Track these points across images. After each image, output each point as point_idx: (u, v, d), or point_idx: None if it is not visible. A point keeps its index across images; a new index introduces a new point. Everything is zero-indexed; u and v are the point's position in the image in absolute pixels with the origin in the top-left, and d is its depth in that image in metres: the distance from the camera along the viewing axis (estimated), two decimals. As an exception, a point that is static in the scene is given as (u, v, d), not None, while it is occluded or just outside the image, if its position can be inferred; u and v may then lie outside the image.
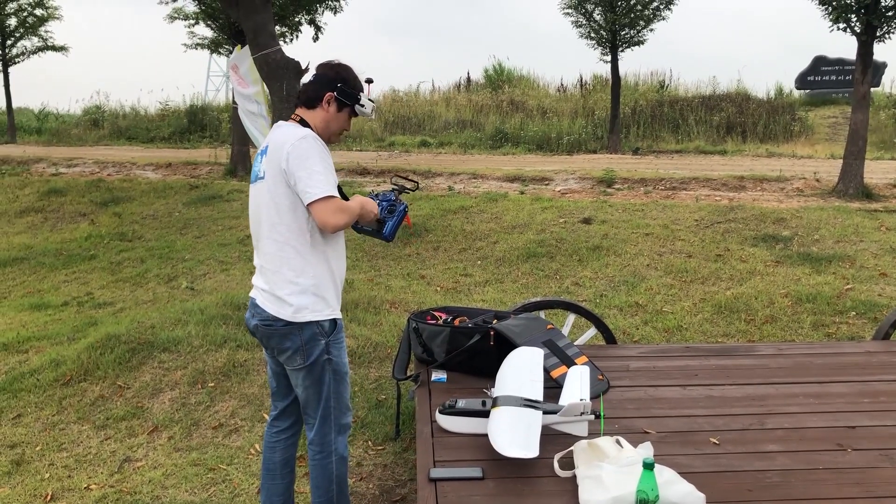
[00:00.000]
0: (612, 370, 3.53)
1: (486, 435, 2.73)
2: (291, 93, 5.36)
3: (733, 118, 17.58)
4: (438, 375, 3.38)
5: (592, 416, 2.81)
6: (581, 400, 2.82)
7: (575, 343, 3.94)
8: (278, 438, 3.08)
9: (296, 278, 2.76)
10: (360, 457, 3.81)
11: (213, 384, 4.53)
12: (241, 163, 12.59)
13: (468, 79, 24.41)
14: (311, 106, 2.88)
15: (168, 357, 4.83)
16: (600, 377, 3.36)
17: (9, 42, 21.20)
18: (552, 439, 2.74)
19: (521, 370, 3.08)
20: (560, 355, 3.36)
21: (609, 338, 4.05)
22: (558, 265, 6.92)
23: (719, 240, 7.32)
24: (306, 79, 2.95)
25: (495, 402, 2.86)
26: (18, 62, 21.72)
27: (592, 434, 2.89)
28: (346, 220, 2.73)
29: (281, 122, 2.91)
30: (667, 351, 3.89)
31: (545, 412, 2.80)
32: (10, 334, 5.84)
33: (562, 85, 22.99)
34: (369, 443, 3.93)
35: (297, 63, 5.39)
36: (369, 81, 3.04)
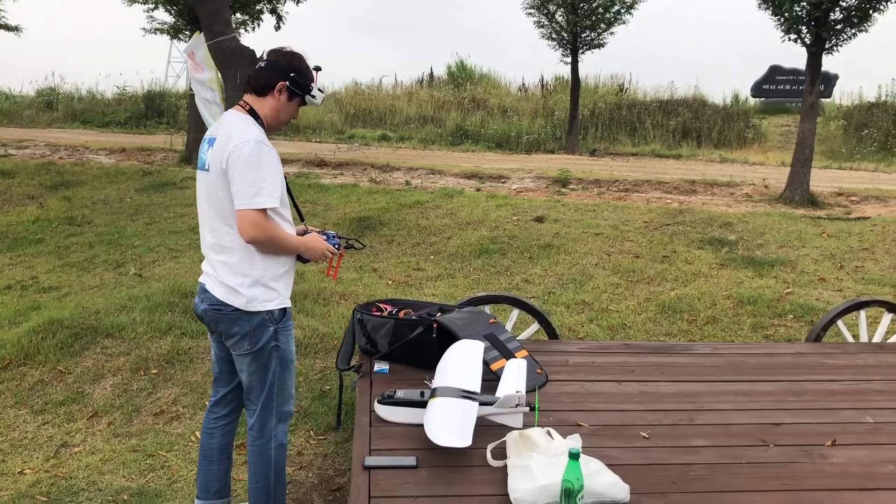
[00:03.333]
0: (552, 364, 3.60)
1: (422, 425, 2.78)
2: (245, 80, 5.34)
3: (689, 123, 17.90)
4: (381, 366, 3.41)
5: (527, 409, 2.88)
6: (517, 392, 2.88)
7: (518, 338, 4.00)
8: (217, 424, 3.09)
9: (246, 270, 2.77)
10: (302, 446, 3.83)
11: (155, 371, 4.50)
12: (197, 150, 12.43)
13: (431, 75, 24.43)
14: (261, 93, 2.85)
15: (111, 343, 4.78)
16: (539, 371, 3.42)
17: (-41, 20, 20.62)
18: (486, 430, 2.79)
19: (461, 362, 3.14)
20: (501, 349, 3.41)
21: (551, 333, 4.12)
22: (510, 262, 7.00)
23: (667, 241, 7.47)
24: (258, 65, 2.92)
25: (433, 393, 2.91)
26: (-31, 40, 21.15)
27: (527, 426, 2.96)
28: (263, 238, 2.69)
29: (230, 112, 2.88)
30: (606, 347, 3.97)
31: (481, 403, 2.86)
32: (-50, 317, 5.71)
33: (523, 84, 23.15)
34: (311, 432, 3.94)
35: (252, 51, 5.37)
36: (318, 69, 3.05)
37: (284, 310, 2.87)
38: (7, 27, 21.60)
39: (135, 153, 13.44)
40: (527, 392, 2.95)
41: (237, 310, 2.77)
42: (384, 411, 2.95)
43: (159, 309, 5.20)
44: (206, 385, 4.32)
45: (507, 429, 2.73)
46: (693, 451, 2.76)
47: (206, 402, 4.13)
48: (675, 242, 7.47)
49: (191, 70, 8.70)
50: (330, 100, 22.05)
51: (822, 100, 20.40)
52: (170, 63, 34.99)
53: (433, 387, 2.97)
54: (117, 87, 22.86)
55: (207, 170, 2.76)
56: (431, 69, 24.60)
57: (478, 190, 10.10)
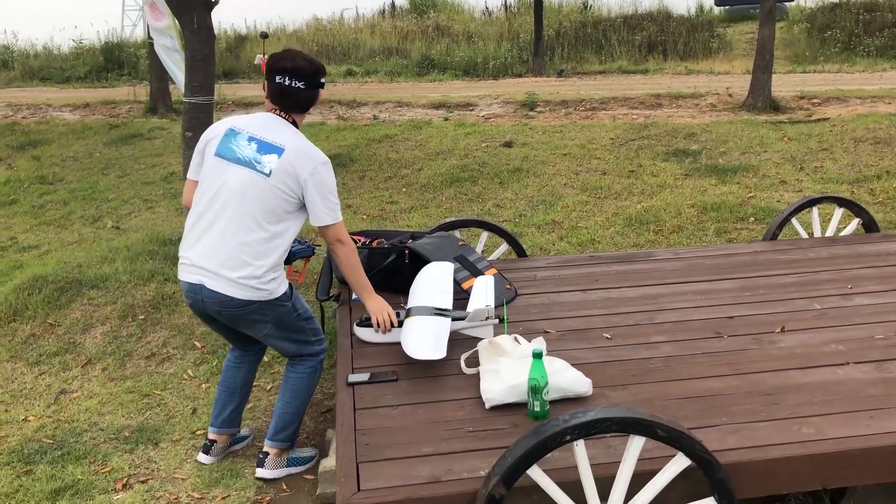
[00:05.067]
0: (521, 280, 3.79)
1: (399, 343, 2.97)
2: (202, 26, 5.34)
3: (654, 37, 17.85)
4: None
5: (497, 321, 3.07)
6: (486, 306, 3.07)
7: (489, 259, 4.18)
8: (243, 360, 3.28)
9: (265, 266, 2.88)
10: (290, 375, 4.02)
11: (143, 317, 4.65)
12: (161, 99, 12.33)
13: (393, 4, 24.04)
14: (304, 111, 3.02)
15: (97, 294, 4.92)
16: (508, 286, 3.61)
17: None
18: (459, 342, 2.98)
19: (432, 283, 3.32)
20: (470, 268, 3.59)
21: (520, 252, 4.30)
22: (480, 188, 7.14)
23: (633, 157, 7.63)
24: (293, 84, 2.92)
25: (408, 313, 3.09)
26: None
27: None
28: (349, 246, 3.01)
29: (279, 119, 2.95)
30: (572, 261, 4.16)
31: (454, 319, 3.05)
32: (-66, 282, 5.81)
33: (487, 9, 22.85)
34: (298, 362, 4.13)
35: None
36: (264, 36, 3.16)
37: (290, 283, 3.09)
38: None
39: (99, 107, 13.30)
40: (496, 306, 3.15)
41: (260, 302, 2.90)
42: (363, 333, 3.13)
43: (140, 258, 5.32)
44: (193, 326, 4.48)
45: (479, 340, 2.92)
46: (652, 346, 2.97)
47: (196, 343, 4.34)
48: (640, 157, 7.63)
49: (149, 18, 8.60)
50: (291, 38, 21.71)
51: (787, 3, 20.39)
52: (125, 12, 34.12)
53: (407, 307, 3.16)
54: (73, 40, 22.32)
55: (268, 174, 2.82)
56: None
57: (446, 119, 10.16)
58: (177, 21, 5.44)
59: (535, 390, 2.37)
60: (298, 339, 3.12)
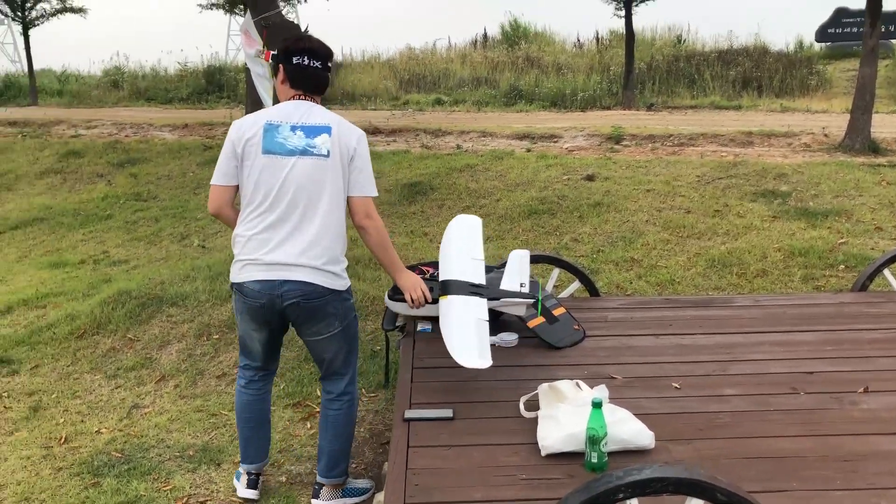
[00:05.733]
0: (591, 321, 3.69)
1: (439, 337, 2.98)
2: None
3: (749, 73, 17.40)
4: (424, 326, 3.56)
5: (532, 300, 3.07)
6: (521, 285, 3.07)
7: (560, 296, 4.11)
8: (265, 390, 3.21)
9: (340, 254, 2.95)
10: (354, 403, 4.03)
11: (217, 336, 4.75)
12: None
13: (485, 35, 24.26)
14: (322, 93, 3.02)
15: (176, 311, 5.06)
16: (576, 327, 3.52)
17: (28, 4, 21.37)
18: (519, 384, 2.92)
19: (463, 243, 3.34)
20: (539, 306, 3.52)
21: (592, 290, 4.20)
22: (559, 221, 7.05)
23: (719, 195, 7.40)
24: (312, 63, 2.92)
25: (444, 289, 3.08)
26: (38, 24, 21.90)
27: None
28: (378, 222, 2.95)
29: (311, 104, 2.94)
30: (646, 303, 4.04)
31: (489, 298, 3.07)
32: (30, 291, 6.11)
33: (578, 41, 22.81)
34: (363, 390, 4.14)
35: (297, 26, 5.50)
36: (265, 27, 3.20)
37: None
38: (73, 9, 22.33)
39: (196, 128, 13.81)
40: (530, 283, 3.16)
41: (335, 292, 2.92)
42: (396, 306, 3.18)
43: (220, 278, 5.46)
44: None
45: (538, 381, 2.84)
46: (723, 399, 2.84)
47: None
48: (727, 196, 7.40)
49: (243, 45, 8.91)
50: (384, 66, 22.16)
51: (892, 41, 19.58)
52: (229, 37, 35.63)
53: (441, 279, 3.15)
54: (179, 63, 23.41)
55: (327, 155, 2.84)
56: (485, 30, 24.46)
57: (529, 150, 10.11)
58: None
59: (594, 441, 2.29)
60: (351, 347, 3.09)
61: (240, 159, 2.89)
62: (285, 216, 2.83)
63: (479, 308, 3.01)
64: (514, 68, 20.22)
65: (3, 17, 21.93)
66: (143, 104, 19.82)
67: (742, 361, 3.19)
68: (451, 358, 3.20)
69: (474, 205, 7.73)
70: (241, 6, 19.07)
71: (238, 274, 2.92)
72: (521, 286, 3.04)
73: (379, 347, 4.52)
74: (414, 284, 3.11)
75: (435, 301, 3.07)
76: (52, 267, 6.98)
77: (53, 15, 22.10)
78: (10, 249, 7.90)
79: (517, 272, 3.18)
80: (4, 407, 4.17)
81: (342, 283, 2.94)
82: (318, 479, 3.16)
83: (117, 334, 4.89)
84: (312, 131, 2.86)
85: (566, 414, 2.48)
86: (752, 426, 2.63)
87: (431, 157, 9.64)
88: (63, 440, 3.78)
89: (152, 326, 4.94)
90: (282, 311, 2.88)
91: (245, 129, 2.89)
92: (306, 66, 2.91)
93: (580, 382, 2.73)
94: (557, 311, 3.54)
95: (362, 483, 3.27)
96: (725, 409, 2.76)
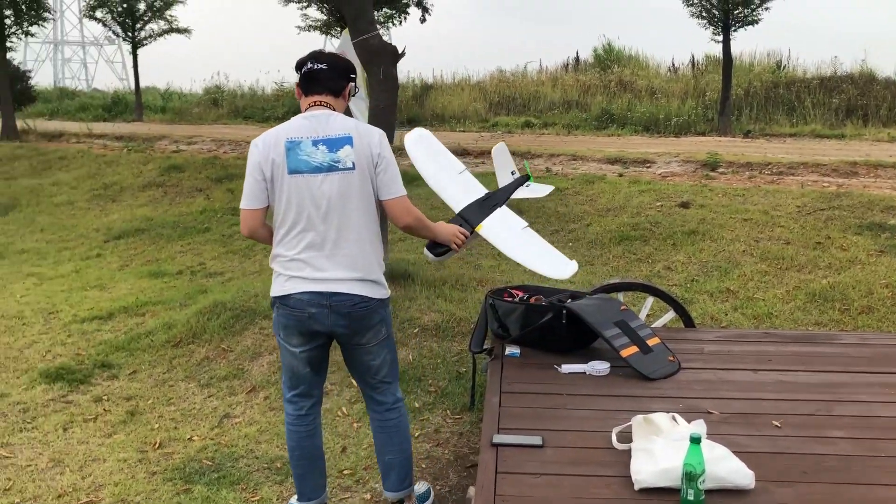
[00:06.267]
0: (687, 352, 3.57)
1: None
2: (388, 77, 5.57)
3: (854, 101, 16.71)
4: (512, 350, 3.52)
5: (527, 178, 3.30)
6: (512, 173, 3.26)
7: (653, 325, 4.00)
8: (314, 424, 3.11)
9: (380, 261, 2.96)
10: (439, 424, 4.02)
11: (306, 351, 4.82)
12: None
13: (577, 59, 24.13)
14: (337, 94, 2.94)
15: (268, 324, 5.17)
16: (671, 358, 3.41)
17: (138, 25, 22.53)
18: (611, 414, 2.85)
19: (438, 166, 3.62)
20: (631, 335, 3.43)
21: (688, 321, 4.08)
22: (651, 249, 6.91)
23: (821, 227, 7.10)
24: (316, 66, 2.91)
25: (470, 220, 3.34)
26: (146, 45, 23.04)
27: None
28: (416, 219, 2.95)
29: (327, 112, 2.87)
30: (744, 336, 3.89)
31: (504, 202, 3.47)
32: (130, 299, 6.36)
33: (673, 65, 22.42)
34: (447, 411, 4.12)
35: (395, 48, 5.58)
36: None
37: None
38: (179, 30, 23.42)
39: (291, 146, 14.19)
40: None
41: (381, 300, 2.93)
42: (438, 258, 3.36)
43: (310, 293, 5.55)
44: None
45: (631, 413, 2.76)
46: (828, 441, 2.69)
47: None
48: (829, 228, 7.09)
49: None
50: (474, 89, 22.31)
51: None
52: (323, 58, 36.58)
53: (457, 212, 3.45)
54: (275, 83, 24.19)
55: (352, 168, 2.81)
56: (577, 53, 24.33)
57: (620, 175, 9.96)
58: (364, 71, 5.71)
59: (691, 477, 2.20)
60: (395, 353, 3.13)
61: (269, 180, 2.83)
62: (323, 234, 2.82)
63: (514, 219, 3.28)
64: (605, 92, 20.02)
65: (114, 37, 23.17)
66: (240, 122, 20.53)
67: (848, 402, 3.02)
68: (540, 384, 3.18)
69: (562, 228, 7.65)
70: (338, 28, 19.58)
71: (282, 287, 2.88)
72: (513, 174, 3.25)
73: (465, 369, 4.49)
74: (453, 233, 3.21)
75: (472, 233, 3.30)
76: (152, 276, 7.26)
77: (161, 35, 23.24)
78: (112, 258, 8.27)
79: (503, 166, 3.41)
80: (104, 410, 4.34)
81: (386, 292, 2.96)
82: (391, 495, 3.12)
83: (211, 344, 5.03)
84: (334, 144, 2.81)
85: (662, 448, 2.39)
86: (861, 472, 2.47)
87: (521, 180, 9.61)
88: (157, 445, 3.89)
89: (245, 338, 5.06)
90: (331, 323, 2.85)
91: (268, 149, 2.83)
92: (309, 70, 2.92)
93: (677, 416, 2.64)
94: (651, 341, 3.44)
95: (421, 487, 3.29)
96: (831, 452, 2.61)
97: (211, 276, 7.06)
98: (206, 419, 4.19)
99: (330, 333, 2.92)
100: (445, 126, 18.04)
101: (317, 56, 2.97)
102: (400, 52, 5.58)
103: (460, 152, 12.18)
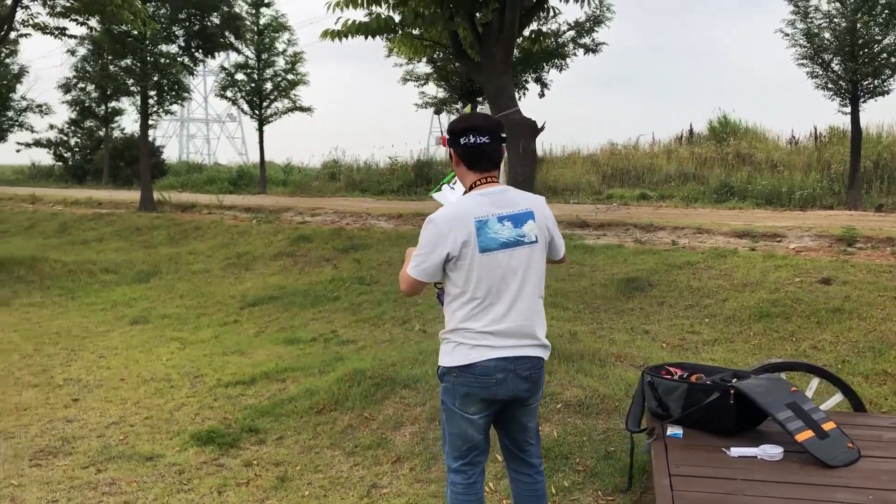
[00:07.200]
0: (862, 439, 3.36)
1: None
2: (527, 151, 5.66)
3: None
4: (674, 431, 3.41)
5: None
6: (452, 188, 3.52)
7: (819, 408, 3.79)
8: (482, 492, 3.15)
9: (545, 322, 3.08)
10: (590, 505, 3.89)
11: (449, 423, 4.81)
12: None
13: (691, 131, 23.88)
14: (499, 165, 3.06)
15: (408, 393, 5.21)
16: (850, 445, 3.22)
17: (264, 104, 23.85)
18: (794, 502, 2.69)
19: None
20: (805, 419, 3.27)
21: (857, 405, 3.85)
22: (794, 327, 6.61)
23: (983, 307, 6.64)
24: (479, 139, 2.94)
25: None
26: (271, 122, 24.33)
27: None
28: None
29: (503, 185, 3.03)
30: (925, 423, 3.63)
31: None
32: (270, 364, 6.55)
33: (793, 137, 21.84)
34: (598, 492, 3.99)
35: (534, 122, 5.68)
36: (438, 112, 3.53)
37: None
38: (302, 108, 24.65)
39: (410, 218, 14.52)
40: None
41: (544, 360, 3.06)
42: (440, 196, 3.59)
43: (448, 364, 5.57)
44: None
45: (814, 500, 2.61)
46: None
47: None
48: None
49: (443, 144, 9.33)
50: (586, 161, 22.37)
51: None
52: (431, 133, 37.70)
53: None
54: (389, 157, 24.97)
55: (535, 241, 2.96)
56: (691, 125, 24.10)
57: (752, 249, 9.66)
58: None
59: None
60: None
61: (454, 259, 2.89)
62: (509, 304, 2.91)
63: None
64: (723, 164, 19.67)
65: (236, 115, 24.61)
66: (357, 195, 21.20)
67: None
68: (711, 467, 3.07)
69: (697, 304, 7.45)
70: (454, 104, 20.15)
71: (466, 356, 2.91)
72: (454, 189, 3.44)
73: (613, 448, 4.37)
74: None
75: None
76: (287, 343, 7.47)
77: (285, 113, 24.50)
78: (248, 324, 8.58)
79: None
80: (255, 474, 4.43)
81: (549, 352, 3.08)
82: None
83: (354, 412, 5.09)
84: (519, 220, 2.93)
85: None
86: None
87: (647, 253, 9.46)
88: (310, 513, 3.93)
89: (386, 407, 5.10)
90: (514, 387, 2.92)
91: (456, 230, 2.88)
92: (474, 145, 2.95)
93: (876, 509, 2.47)
94: (827, 426, 3.26)
95: None
96: None
97: (344, 344, 7.20)
98: (355, 488, 4.21)
99: (511, 398, 2.97)
100: (559, 198, 18.08)
101: (477, 127, 2.97)
102: (539, 126, 5.68)
103: (579, 224, 12.15)
